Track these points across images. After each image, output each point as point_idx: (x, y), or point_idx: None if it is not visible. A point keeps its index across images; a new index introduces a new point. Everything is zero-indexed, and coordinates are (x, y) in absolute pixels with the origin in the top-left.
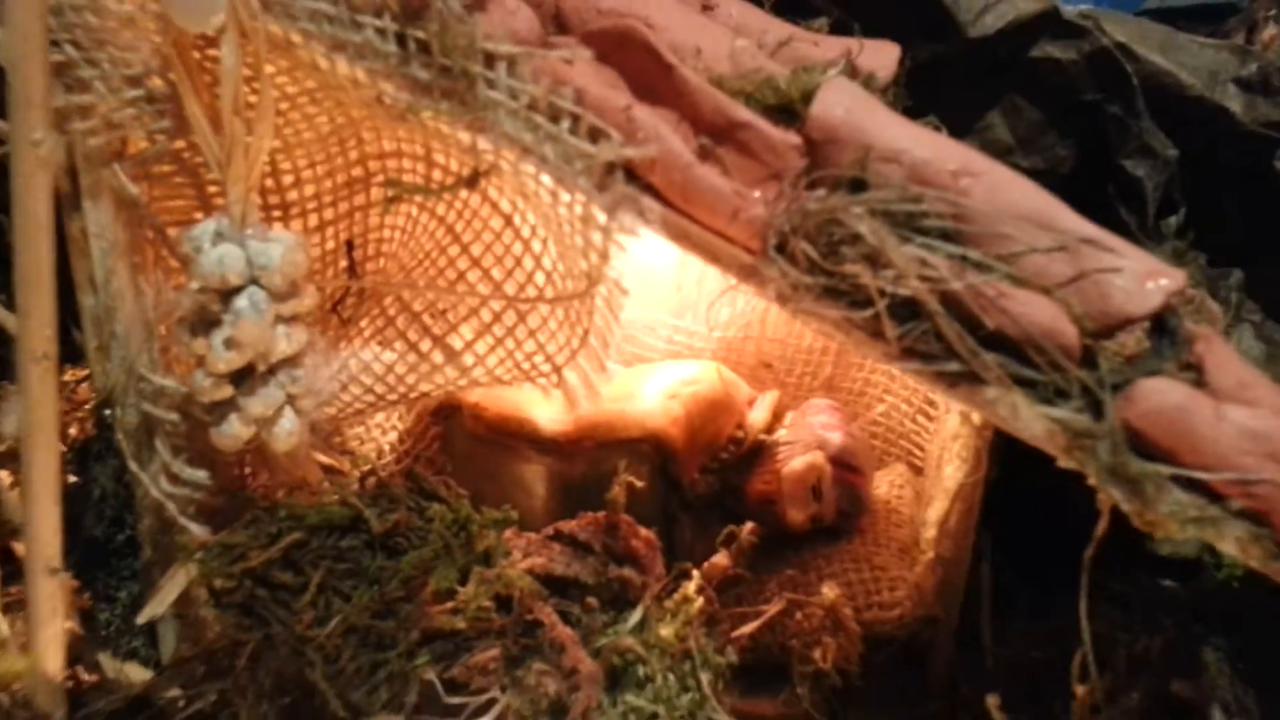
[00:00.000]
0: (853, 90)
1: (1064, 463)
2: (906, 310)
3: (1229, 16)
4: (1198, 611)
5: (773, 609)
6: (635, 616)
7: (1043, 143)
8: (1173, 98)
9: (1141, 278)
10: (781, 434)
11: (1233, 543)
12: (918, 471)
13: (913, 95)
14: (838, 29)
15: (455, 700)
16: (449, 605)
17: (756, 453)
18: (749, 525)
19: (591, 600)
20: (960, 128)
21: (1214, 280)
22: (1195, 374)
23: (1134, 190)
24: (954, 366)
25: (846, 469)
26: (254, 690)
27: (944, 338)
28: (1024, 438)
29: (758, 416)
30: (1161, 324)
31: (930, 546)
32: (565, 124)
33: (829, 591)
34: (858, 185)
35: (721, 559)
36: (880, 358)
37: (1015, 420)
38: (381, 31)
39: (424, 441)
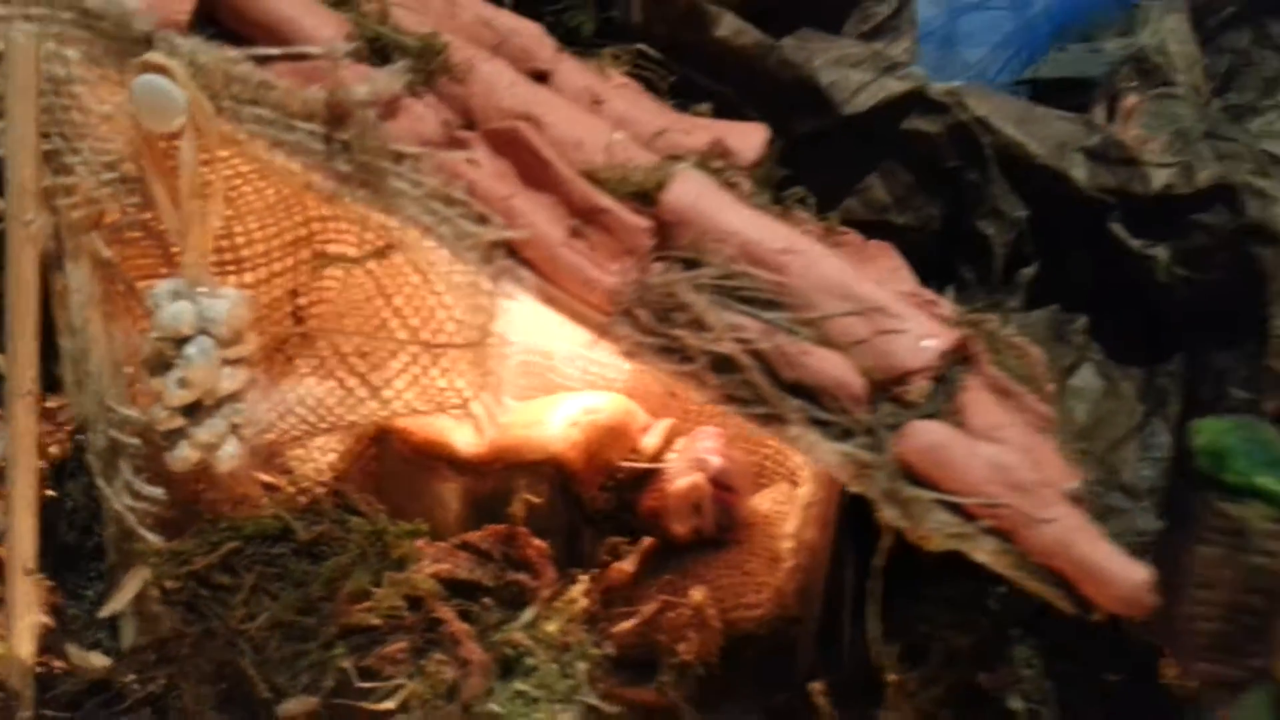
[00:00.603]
0: (700, 180)
1: (852, 488)
2: (725, 364)
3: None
4: (1011, 612)
5: (649, 609)
6: (527, 615)
7: (914, 203)
8: (1023, 165)
9: (918, 338)
10: (671, 457)
11: (985, 555)
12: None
13: (800, 162)
14: (729, 109)
15: (367, 685)
16: (366, 605)
17: (649, 473)
18: (648, 539)
19: (487, 600)
20: (844, 189)
21: (1063, 325)
22: (958, 417)
23: (987, 246)
24: (763, 410)
25: (724, 488)
26: (196, 675)
27: (755, 387)
28: (822, 467)
29: (651, 441)
30: (941, 376)
31: (790, 556)
32: (457, 210)
33: (696, 594)
34: (692, 263)
35: (626, 565)
36: (709, 401)
37: (813, 453)
38: (311, 133)
39: (360, 462)
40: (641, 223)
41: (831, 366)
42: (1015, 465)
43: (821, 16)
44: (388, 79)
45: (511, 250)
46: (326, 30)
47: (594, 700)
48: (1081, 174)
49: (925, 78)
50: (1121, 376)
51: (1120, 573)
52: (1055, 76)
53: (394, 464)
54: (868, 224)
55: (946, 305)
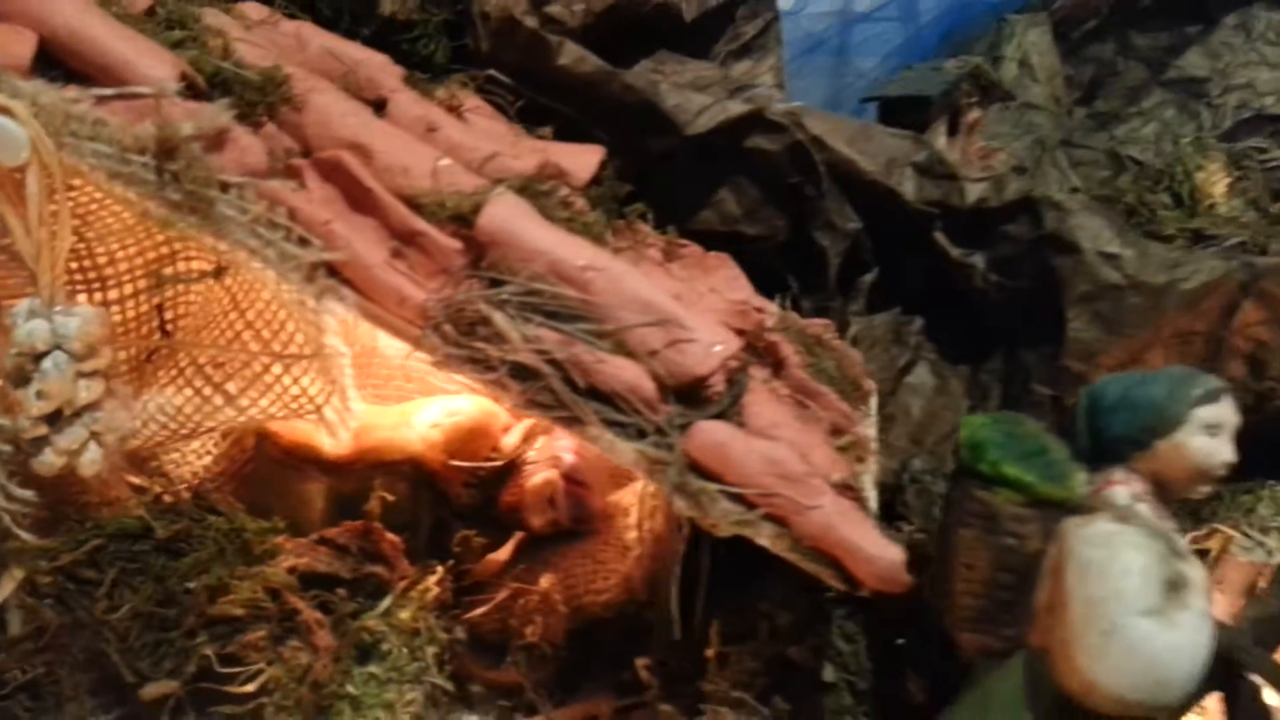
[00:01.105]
0: (513, 203)
1: (645, 481)
2: (526, 372)
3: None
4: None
5: (500, 595)
6: (384, 604)
7: (763, 214)
8: (856, 181)
9: (708, 346)
10: (530, 455)
11: (765, 539)
12: None
13: (659, 178)
14: (580, 130)
15: (229, 671)
16: (231, 597)
17: (509, 470)
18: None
19: (343, 591)
20: (699, 202)
21: (901, 327)
22: (740, 417)
23: (823, 255)
24: (563, 413)
25: (576, 484)
26: (70, 663)
27: (554, 393)
28: (620, 464)
29: (510, 441)
30: (729, 380)
31: (637, 545)
32: (280, 234)
33: (544, 580)
34: (498, 281)
35: (500, 555)
36: (513, 406)
37: (612, 451)
38: (144, 165)
39: (235, 464)
40: (454, 244)
41: (625, 373)
42: (786, 459)
43: (695, 37)
44: (213, 114)
45: (332, 270)
46: (159, 70)
47: (441, 681)
48: (910, 188)
49: (770, 99)
50: (951, 374)
51: (876, 553)
52: (899, 94)
53: (266, 466)
54: (722, 234)
55: (771, 312)
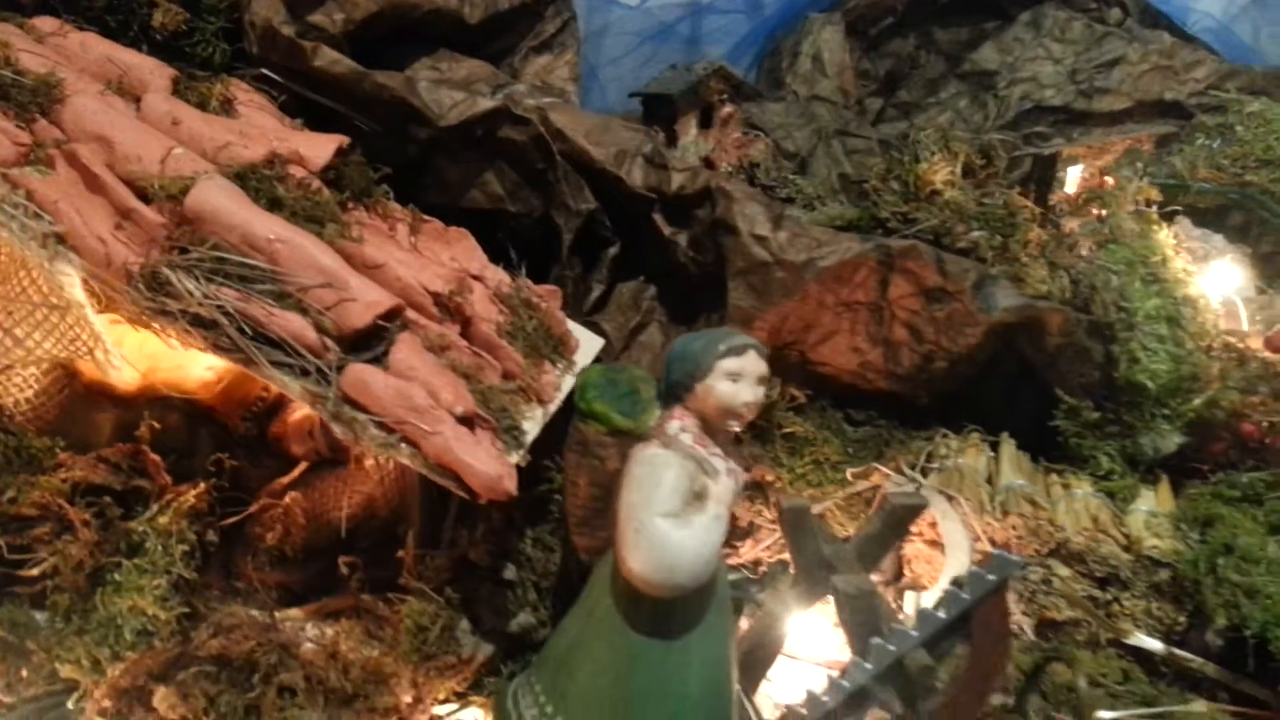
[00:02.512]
0: (218, 186)
1: (312, 411)
2: (207, 323)
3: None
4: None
5: (252, 508)
6: (149, 511)
7: (521, 195)
8: (590, 168)
9: (365, 305)
10: None
11: (405, 458)
12: None
13: (435, 161)
14: (340, 124)
15: (19, 558)
16: (21, 500)
17: (278, 406)
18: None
19: (109, 499)
20: (469, 183)
21: (639, 293)
22: (386, 361)
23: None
24: (241, 355)
25: None
26: None
27: (232, 339)
28: (293, 397)
29: None
30: (380, 332)
31: (378, 471)
32: (20, 211)
33: (288, 497)
34: (186, 250)
35: (284, 480)
36: (199, 349)
37: (284, 388)
38: None
39: (53, 396)
40: (160, 219)
41: (292, 324)
42: (414, 394)
43: (488, 36)
44: None
45: (61, 240)
46: None
47: (185, 573)
48: (638, 176)
49: (524, 94)
50: (674, 334)
51: (483, 469)
52: (653, 93)
53: (73, 399)
54: (489, 211)
55: (492, 280)
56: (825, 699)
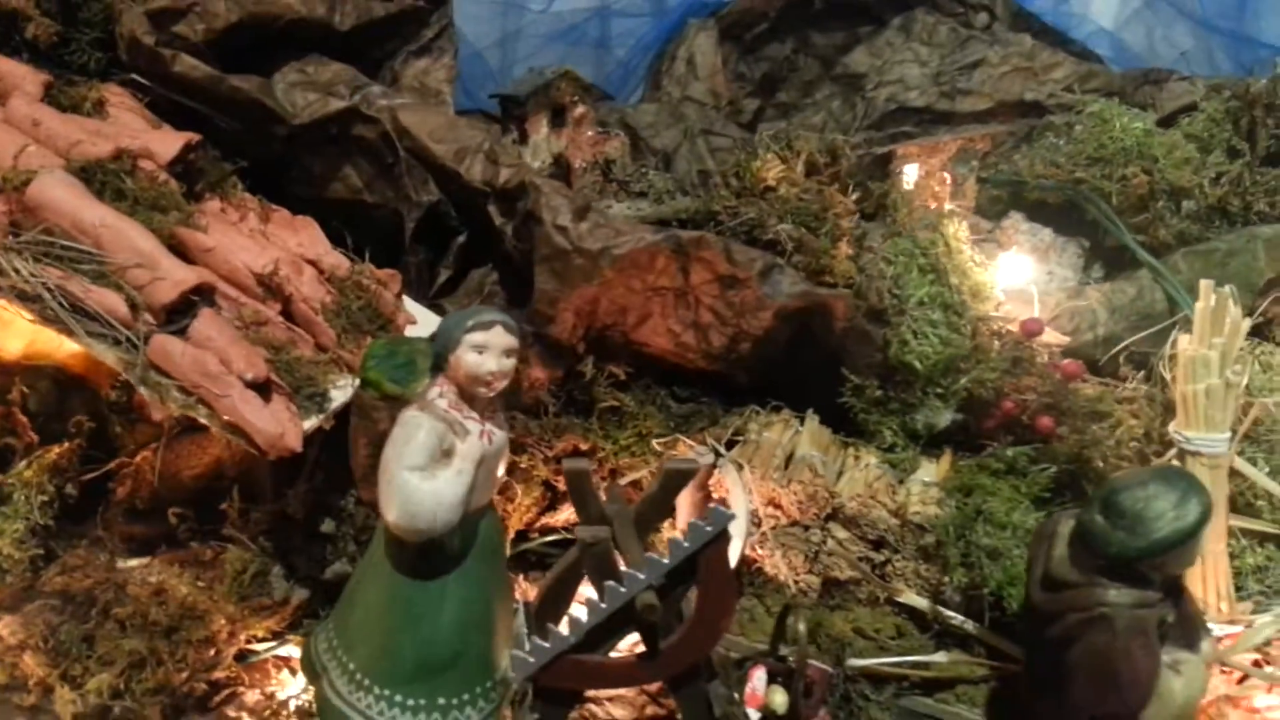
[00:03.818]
0: (57, 179)
1: (124, 376)
2: (32, 297)
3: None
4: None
5: (108, 466)
6: (17, 467)
7: (378, 187)
8: (433, 164)
9: (172, 283)
10: None
11: (203, 418)
12: None
13: (292, 159)
14: (206, 123)
15: None
16: None
17: None
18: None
19: None
20: (331, 176)
21: (484, 278)
22: (189, 332)
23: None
24: (62, 326)
25: None
26: None
27: (55, 312)
28: (108, 363)
29: None
30: (186, 307)
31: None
32: None
33: (140, 458)
34: (17, 232)
35: (155, 448)
36: (28, 319)
37: (102, 356)
38: None
39: None
40: (4, 208)
41: (106, 300)
42: (208, 362)
43: (363, 42)
44: None
45: None
46: None
47: (42, 520)
48: (478, 170)
49: (378, 95)
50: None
51: (265, 428)
52: (506, 94)
53: None
54: (350, 202)
55: (329, 265)
56: (566, 634)
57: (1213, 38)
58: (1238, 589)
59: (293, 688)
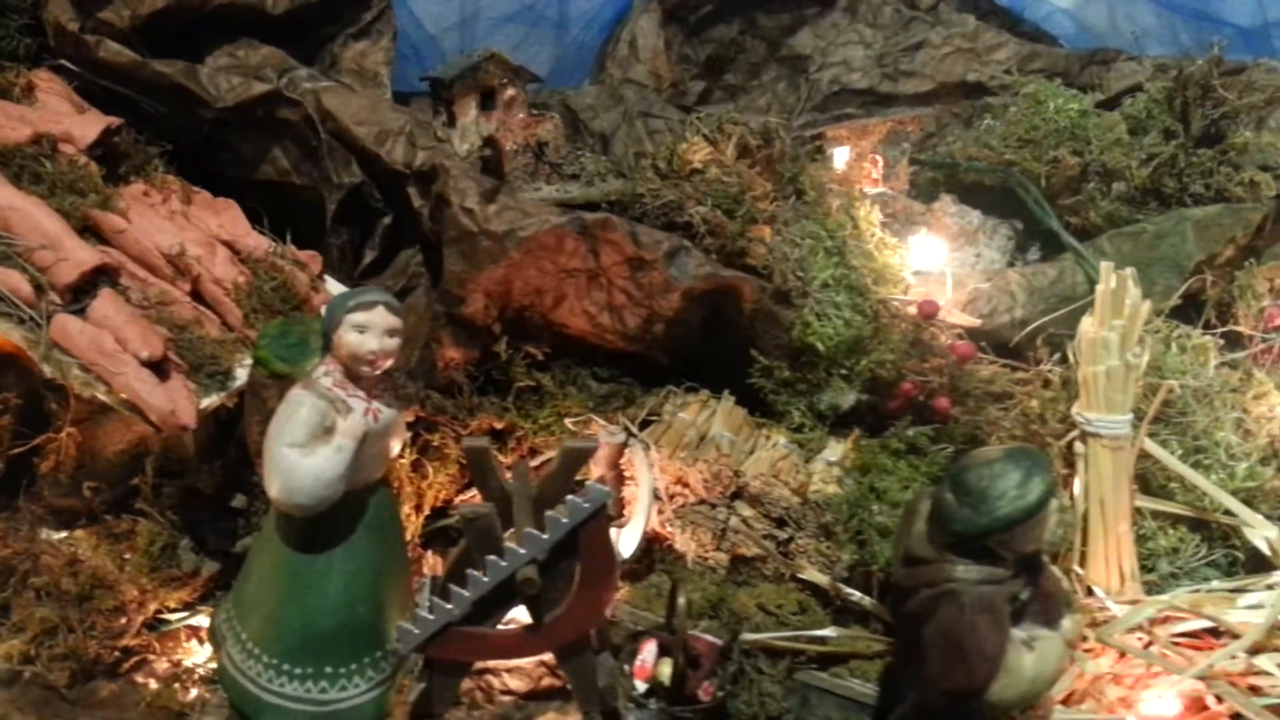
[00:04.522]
0: None
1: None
2: None
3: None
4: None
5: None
6: None
7: (304, 169)
8: (354, 146)
9: (74, 264)
10: None
11: (103, 396)
12: None
13: (223, 142)
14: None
15: None
16: None
17: None
18: None
19: None
20: (260, 158)
21: (410, 259)
22: (90, 314)
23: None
24: None
25: None
26: None
27: None
28: (14, 342)
29: None
30: (87, 287)
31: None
32: None
33: (65, 434)
34: None
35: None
36: None
37: (7, 335)
38: None
39: None
40: None
41: (10, 280)
42: (104, 341)
43: (298, 26)
44: None
45: None
46: None
47: None
48: (399, 153)
49: (304, 78)
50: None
51: (158, 405)
52: (433, 77)
53: None
54: (279, 184)
55: (251, 244)
56: (449, 607)
57: (1175, 17)
58: (1150, 569)
59: (200, 656)
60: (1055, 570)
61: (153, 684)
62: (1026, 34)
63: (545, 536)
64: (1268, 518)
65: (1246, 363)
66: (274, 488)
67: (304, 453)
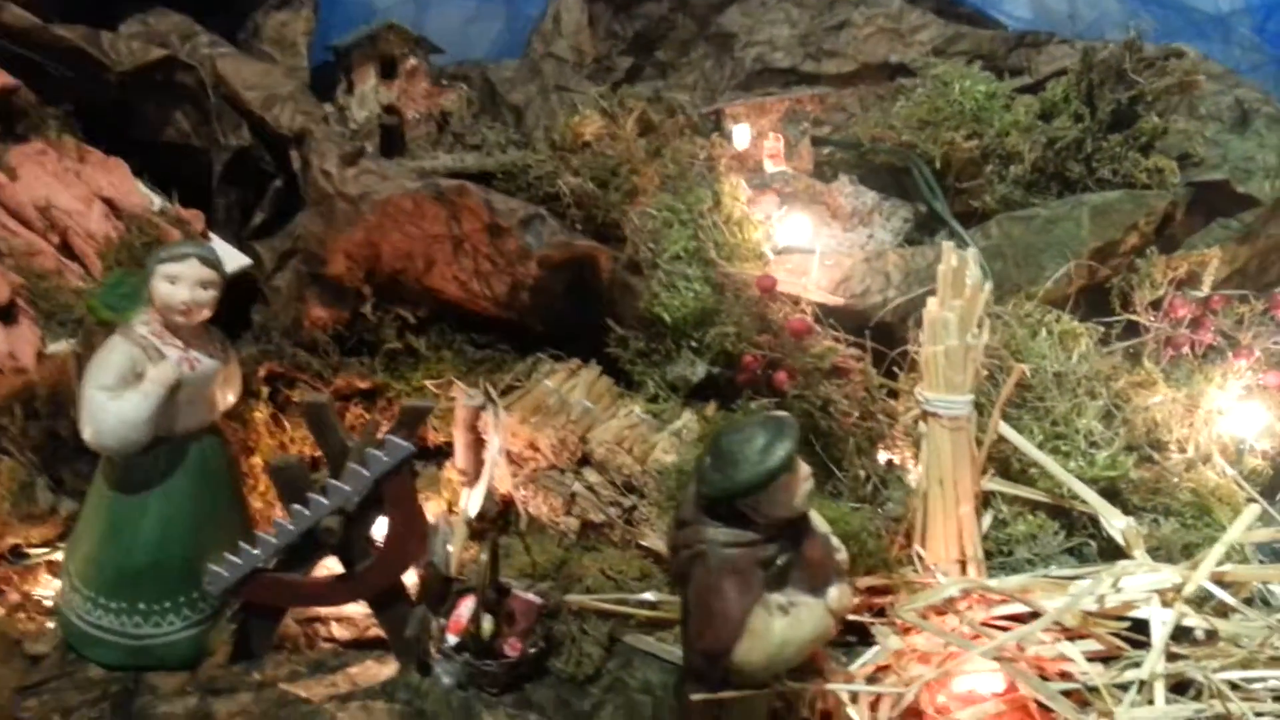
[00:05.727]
0: None
1: None
2: None
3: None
4: None
5: None
6: None
7: (204, 131)
8: (244, 110)
9: None
10: None
11: None
12: None
13: (132, 101)
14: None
15: None
16: None
17: None
18: None
19: None
20: (163, 120)
21: (294, 218)
22: None
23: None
24: None
25: None
26: None
27: None
28: None
29: None
30: None
31: None
32: None
33: None
34: None
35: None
36: None
37: None
38: None
39: None
40: None
41: None
42: None
43: None
44: None
45: None
46: None
47: None
48: (284, 117)
49: (205, 44)
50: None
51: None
52: (334, 46)
53: None
54: (180, 146)
55: (133, 202)
56: (256, 553)
57: (1136, 2)
58: (1008, 554)
59: (51, 589)
60: (834, 540)
61: (0, 611)
62: (960, 16)
63: (346, 488)
64: (1139, 508)
65: (1135, 351)
66: (85, 429)
67: (111, 395)
